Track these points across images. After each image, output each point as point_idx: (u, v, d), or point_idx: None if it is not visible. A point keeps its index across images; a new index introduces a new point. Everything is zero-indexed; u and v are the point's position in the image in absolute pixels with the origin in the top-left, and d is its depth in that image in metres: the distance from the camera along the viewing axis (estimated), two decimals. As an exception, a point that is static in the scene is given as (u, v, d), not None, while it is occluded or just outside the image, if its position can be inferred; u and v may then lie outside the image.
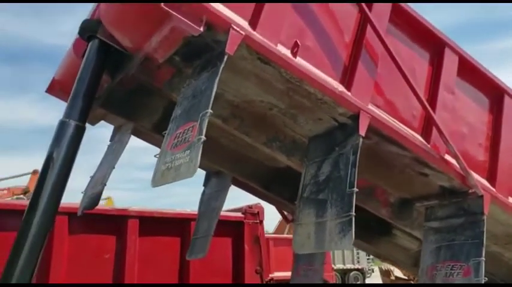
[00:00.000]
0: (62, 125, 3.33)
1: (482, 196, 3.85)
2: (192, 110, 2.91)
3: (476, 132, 4.22)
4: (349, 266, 26.13)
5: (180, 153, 2.78)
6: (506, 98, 4.39)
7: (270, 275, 7.57)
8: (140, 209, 7.19)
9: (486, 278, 3.59)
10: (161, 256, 6.75)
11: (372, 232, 5.07)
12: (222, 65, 2.84)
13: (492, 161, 4.18)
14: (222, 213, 7.61)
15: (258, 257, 7.34)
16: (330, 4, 3.52)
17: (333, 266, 26.00)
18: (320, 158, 3.60)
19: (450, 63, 4.02)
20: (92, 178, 4.45)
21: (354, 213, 3.06)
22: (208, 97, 2.79)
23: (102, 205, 19.68)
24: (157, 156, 3.07)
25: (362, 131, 3.31)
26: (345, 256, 26.04)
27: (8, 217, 5.79)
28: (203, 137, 2.64)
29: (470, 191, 3.85)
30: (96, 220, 6.61)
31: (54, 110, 4.39)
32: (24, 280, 3.19)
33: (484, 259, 3.62)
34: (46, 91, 4.50)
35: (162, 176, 2.88)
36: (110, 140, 4.64)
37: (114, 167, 4.22)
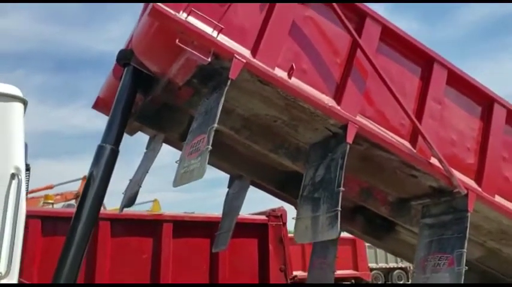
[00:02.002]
0: (100, 149, 4.11)
1: (467, 195, 4.29)
2: (204, 124, 3.59)
3: (466, 137, 4.65)
4: (392, 265, 25.99)
5: (194, 159, 3.47)
6: (496, 106, 4.79)
7: (294, 273, 8.14)
8: (173, 214, 8.02)
9: (466, 267, 4.03)
10: (193, 256, 7.51)
11: (378, 229, 5.58)
12: (226, 88, 3.51)
13: (480, 164, 4.60)
14: (248, 216, 8.40)
15: (282, 256, 7.95)
16: (323, 30, 4.11)
17: (375, 265, 26.05)
18: (317, 162, 4.19)
19: (438, 76, 4.49)
20: (130, 181, 5.22)
21: (339, 208, 3.63)
22: (215, 114, 3.46)
23: (149, 207, 20.80)
24: (178, 162, 3.78)
25: (349, 139, 3.87)
26: (388, 255, 25.97)
27: (59, 223, 6.76)
28: (209, 147, 3.32)
29: (455, 190, 4.30)
30: (135, 224, 7.52)
31: (100, 117, 5.23)
32: (72, 275, 3.91)
33: (465, 250, 4.07)
34: (92, 107, 5.33)
35: (180, 178, 3.59)
36: (146, 148, 5.41)
37: (148, 171, 4.99)
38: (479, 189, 4.46)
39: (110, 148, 4.12)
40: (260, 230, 7.98)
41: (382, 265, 25.85)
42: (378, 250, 22.25)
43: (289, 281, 7.95)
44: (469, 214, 4.24)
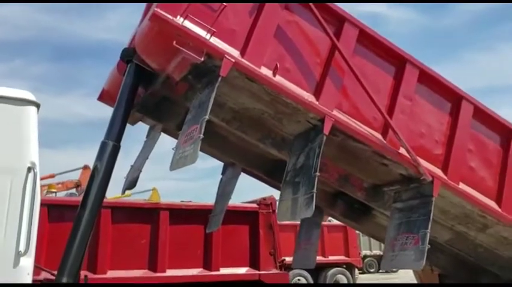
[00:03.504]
0: (103, 145, 4.63)
1: (432, 182, 4.81)
2: (197, 116, 4.10)
3: (435, 131, 5.15)
4: (386, 251, 26.58)
5: (188, 147, 3.99)
6: (464, 102, 5.29)
7: (283, 257, 8.74)
8: (170, 203, 8.62)
9: (429, 245, 4.55)
10: (188, 241, 8.11)
11: (356, 212, 6.12)
12: (217, 84, 4.01)
13: (447, 154, 5.10)
14: (240, 205, 8.99)
15: (271, 241, 8.58)
16: (306, 33, 4.61)
17: (369, 252, 26.66)
18: (299, 151, 4.71)
19: (410, 75, 4.99)
20: (132, 166, 5.74)
21: (315, 191, 4.14)
22: (207, 107, 3.96)
23: (148, 195, 21.29)
24: (174, 149, 4.30)
25: (326, 131, 4.38)
26: (381, 243, 26.52)
27: (64, 210, 7.29)
28: (201, 136, 3.83)
29: (422, 178, 4.82)
30: (134, 212, 8.13)
31: (100, 106, 5.72)
32: (78, 258, 4.43)
33: (429, 231, 4.59)
34: (98, 99, 5.84)
35: (176, 163, 4.11)
36: (146, 137, 5.93)
37: (147, 158, 5.53)
38: (445, 177, 4.97)
39: (112, 144, 4.63)
40: (251, 218, 8.57)
41: (376, 252, 26.50)
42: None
43: (278, 265, 8.54)
44: (433, 198, 4.76)
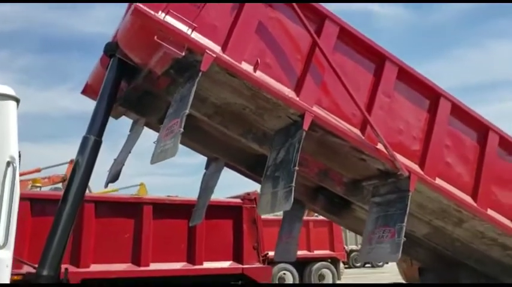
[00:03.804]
0: (85, 140, 4.68)
1: (409, 177, 4.92)
2: (178, 110, 4.15)
3: (413, 127, 5.26)
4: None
5: (168, 140, 4.05)
6: (442, 99, 5.40)
7: (266, 251, 8.87)
8: (153, 197, 8.71)
9: (405, 238, 4.66)
10: (171, 236, 8.22)
11: (336, 207, 6.24)
12: (198, 79, 4.06)
13: (424, 150, 5.21)
14: (224, 200, 9.06)
15: (255, 235, 8.72)
16: (287, 29, 4.67)
17: (355, 247, 26.90)
18: (279, 146, 4.79)
19: (389, 72, 5.09)
20: (115, 160, 5.77)
21: (293, 185, 4.22)
22: (187, 101, 4.01)
23: (135, 190, 21.29)
24: (155, 142, 4.35)
25: (305, 127, 4.45)
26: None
27: (47, 204, 7.30)
28: (181, 130, 3.88)
29: (399, 173, 4.93)
30: (118, 206, 8.20)
31: (88, 99, 5.73)
32: (58, 251, 4.47)
33: (405, 224, 4.70)
34: (81, 93, 5.86)
35: (157, 157, 4.16)
36: (130, 131, 5.97)
37: (130, 152, 5.56)
38: (421, 172, 5.09)
39: (93, 139, 4.68)
40: (235, 212, 8.71)
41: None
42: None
43: (261, 259, 8.66)
44: (410, 193, 4.87)
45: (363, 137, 4.81)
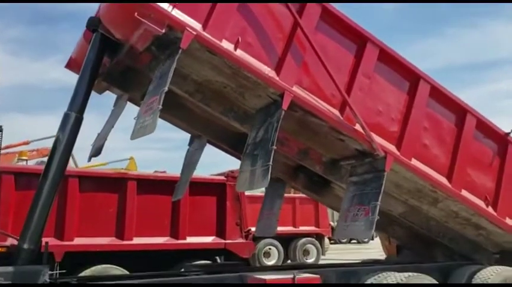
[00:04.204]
0: (66, 116, 4.71)
1: (385, 157, 5.04)
2: (158, 87, 4.19)
3: (392, 108, 5.34)
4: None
5: (148, 117, 4.10)
6: (421, 82, 5.49)
7: (249, 227, 9.05)
8: (138, 173, 8.76)
9: (383, 217, 4.80)
10: (155, 211, 8.34)
11: (316, 185, 6.37)
12: (178, 56, 4.09)
13: (402, 132, 5.31)
14: (209, 177, 9.16)
15: (238, 212, 8.88)
16: (269, 8, 4.69)
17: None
18: (259, 125, 4.86)
19: (370, 54, 5.14)
20: (98, 134, 5.82)
21: (271, 163, 4.31)
22: (166, 79, 4.04)
23: (125, 164, 21.33)
24: (135, 118, 4.40)
25: (285, 106, 4.52)
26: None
27: (31, 178, 7.32)
28: (160, 107, 3.93)
29: (375, 153, 5.04)
30: (102, 181, 8.27)
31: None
32: (39, 225, 4.55)
33: (379, 203, 4.83)
34: (65, 67, 5.85)
35: (137, 133, 4.22)
36: (113, 106, 5.99)
37: (113, 126, 5.60)
38: (398, 153, 5.20)
39: (74, 116, 4.70)
40: (219, 189, 8.84)
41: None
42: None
43: (243, 234, 8.85)
44: (385, 173, 4.99)
45: (342, 118, 4.89)
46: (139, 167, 21.04)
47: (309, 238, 16.54)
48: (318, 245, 16.74)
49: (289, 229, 15.97)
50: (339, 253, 20.34)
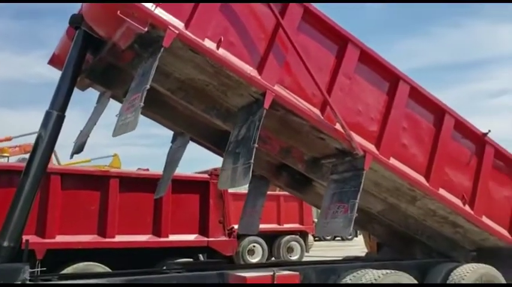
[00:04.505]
0: (48, 114, 4.70)
1: (364, 156, 5.14)
2: (140, 84, 4.22)
3: (371, 108, 5.44)
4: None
5: (130, 114, 4.12)
6: (401, 82, 5.59)
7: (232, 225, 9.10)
8: (120, 171, 8.76)
9: (363, 215, 4.89)
10: (138, 209, 8.35)
11: (298, 183, 6.46)
12: (160, 54, 4.12)
13: (381, 131, 5.41)
14: (192, 175, 9.17)
15: (221, 210, 8.92)
16: (252, 8, 4.74)
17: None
18: (241, 123, 4.91)
19: (351, 55, 5.23)
20: (81, 131, 5.81)
21: (252, 161, 4.37)
22: (148, 76, 4.08)
23: (109, 161, 21.19)
24: (117, 115, 4.42)
25: (266, 105, 4.58)
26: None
27: (12, 175, 7.26)
28: (142, 104, 3.96)
29: (355, 152, 5.13)
30: (84, 179, 8.24)
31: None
32: (20, 223, 4.53)
33: (358, 201, 4.93)
34: (48, 63, 5.84)
35: (118, 129, 4.24)
36: (96, 103, 5.99)
37: (96, 123, 5.60)
38: (377, 152, 5.30)
39: (56, 114, 4.69)
40: (202, 187, 8.89)
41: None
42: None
43: (226, 232, 8.90)
44: (364, 172, 5.09)
45: (322, 117, 4.97)
46: (123, 164, 20.96)
47: (293, 236, 16.68)
48: (302, 242, 16.89)
49: (273, 226, 16.09)
50: (322, 250, 20.57)
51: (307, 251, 17.23)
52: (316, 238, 27.68)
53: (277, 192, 15.38)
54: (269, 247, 16.31)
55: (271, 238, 16.24)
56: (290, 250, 16.70)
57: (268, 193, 17.44)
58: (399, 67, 5.64)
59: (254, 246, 15.85)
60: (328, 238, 30.31)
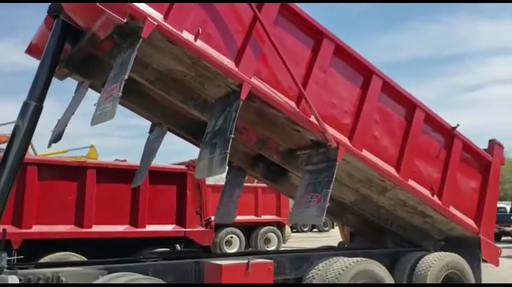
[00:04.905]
0: (25, 105, 4.69)
1: (337, 148, 5.32)
2: (118, 75, 4.28)
3: (345, 102, 5.62)
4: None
5: (108, 104, 4.19)
6: (374, 77, 5.78)
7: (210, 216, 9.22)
8: (97, 162, 8.76)
9: (330, 203, 5.07)
10: (115, 200, 8.39)
11: (274, 174, 6.62)
12: (138, 45, 4.19)
13: (354, 124, 5.60)
14: (169, 166, 9.27)
15: (198, 201, 9.03)
16: (229, 1, 4.84)
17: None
18: (218, 114, 5.02)
19: (326, 49, 5.38)
20: (59, 120, 5.83)
21: (228, 151, 4.49)
22: (127, 67, 4.14)
23: (86, 152, 21.02)
24: (95, 105, 4.48)
25: (243, 97, 4.70)
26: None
27: None
28: (120, 94, 4.03)
29: (328, 143, 5.30)
30: (61, 169, 8.24)
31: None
32: None
33: (330, 191, 5.10)
34: (25, 52, 5.81)
35: (97, 119, 4.31)
36: (75, 93, 6.01)
37: (74, 113, 5.62)
38: (349, 144, 5.49)
39: (34, 105, 4.69)
40: (179, 178, 8.99)
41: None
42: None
43: (203, 223, 9.03)
44: (337, 163, 5.26)
45: (298, 110, 5.12)
46: (100, 155, 20.81)
47: (270, 227, 16.94)
48: (279, 233, 17.18)
49: (251, 217, 16.33)
50: (299, 241, 20.86)
51: (284, 242, 17.54)
52: (294, 230, 28.10)
53: (255, 184, 15.58)
54: (246, 238, 16.55)
55: (248, 229, 16.50)
56: (267, 241, 16.97)
57: (246, 184, 17.68)
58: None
59: (231, 237, 16.05)
60: (306, 229, 30.81)
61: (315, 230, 31.26)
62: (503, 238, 21.48)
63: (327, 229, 29.95)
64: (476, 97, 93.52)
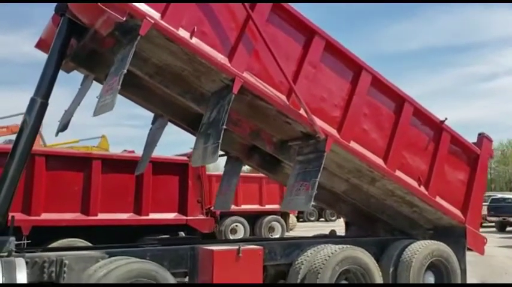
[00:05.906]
0: (32, 102, 5.05)
1: (326, 139, 5.62)
2: (118, 69, 4.63)
3: (335, 96, 5.90)
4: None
5: (108, 96, 4.55)
6: (363, 72, 6.06)
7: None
8: (102, 153, 9.18)
9: (316, 191, 5.37)
10: (119, 189, 8.80)
11: (268, 164, 6.95)
12: (136, 42, 4.53)
13: (342, 117, 5.89)
14: (171, 157, 9.64)
15: (199, 190, 9.42)
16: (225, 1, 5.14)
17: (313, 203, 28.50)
18: (213, 106, 5.36)
19: (316, 45, 5.66)
20: (65, 111, 6.20)
21: (220, 141, 4.82)
22: (126, 62, 4.48)
23: (97, 142, 21.51)
24: (97, 97, 4.84)
25: (235, 91, 5.02)
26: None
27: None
28: (119, 87, 4.38)
29: (317, 135, 5.61)
30: (68, 160, 8.67)
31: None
32: (6, 201, 4.90)
33: (318, 180, 5.40)
34: (35, 47, 6.19)
35: (98, 110, 4.67)
36: (80, 85, 6.38)
37: (79, 104, 6.00)
38: (338, 136, 5.78)
39: (40, 102, 5.04)
40: (181, 169, 9.38)
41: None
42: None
43: (204, 211, 9.41)
44: (325, 153, 5.56)
45: (288, 103, 5.42)
46: (112, 145, 21.32)
47: (274, 216, 17.33)
48: (283, 222, 17.58)
49: (255, 207, 16.78)
50: (305, 231, 21.20)
51: (287, 231, 17.89)
52: (301, 219, 28.51)
53: (260, 174, 15.96)
54: (251, 226, 16.97)
55: (253, 218, 16.92)
56: (271, 229, 17.39)
57: (251, 175, 18.03)
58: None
59: (236, 225, 16.48)
60: (312, 218, 31.17)
61: (322, 219, 31.62)
62: (508, 228, 21.44)
63: (333, 218, 30.29)
64: (492, 87, 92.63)
